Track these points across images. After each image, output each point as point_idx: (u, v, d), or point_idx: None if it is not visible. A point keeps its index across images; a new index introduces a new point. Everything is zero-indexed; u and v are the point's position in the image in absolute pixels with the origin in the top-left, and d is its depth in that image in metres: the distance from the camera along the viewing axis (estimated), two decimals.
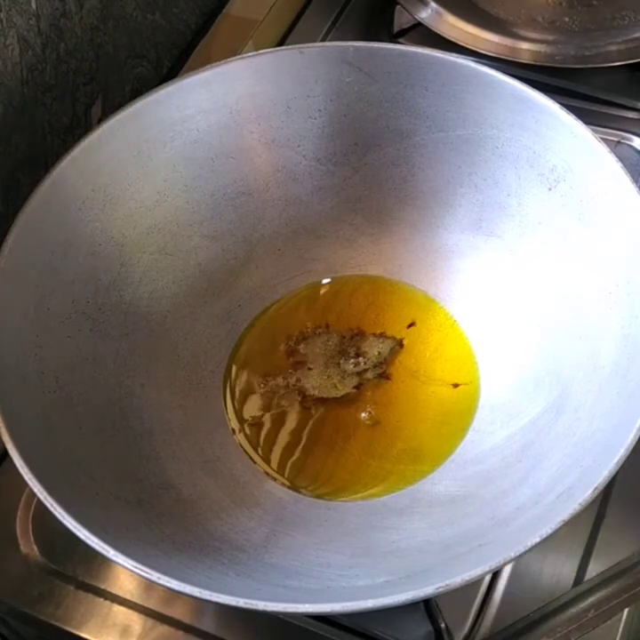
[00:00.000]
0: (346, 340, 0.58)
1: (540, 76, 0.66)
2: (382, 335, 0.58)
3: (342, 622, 0.50)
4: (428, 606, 0.50)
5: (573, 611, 0.45)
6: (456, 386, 0.56)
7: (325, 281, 0.61)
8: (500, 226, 0.57)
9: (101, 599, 0.52)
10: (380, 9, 0.74)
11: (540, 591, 0.51)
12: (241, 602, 0.39)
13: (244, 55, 0.56)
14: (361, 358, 0.57)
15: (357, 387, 0.56)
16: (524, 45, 0.69)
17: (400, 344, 0.58)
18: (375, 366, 0.57)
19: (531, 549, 0.40)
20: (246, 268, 0.59)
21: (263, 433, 0.55)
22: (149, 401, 0.54)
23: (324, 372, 0.57)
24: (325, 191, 0.59)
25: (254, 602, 0.39)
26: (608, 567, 0.47)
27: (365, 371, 0.57)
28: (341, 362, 0.57)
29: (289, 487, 0.53)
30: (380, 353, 0.57)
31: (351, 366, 0.57)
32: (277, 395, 0.56)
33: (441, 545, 0.47)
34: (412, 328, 0.58)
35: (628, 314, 0.48)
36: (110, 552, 0.41)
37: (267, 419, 0.56)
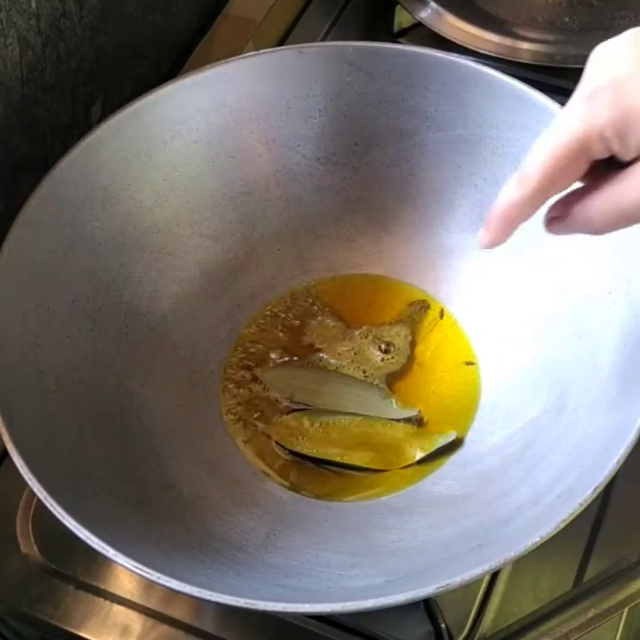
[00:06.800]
0: (357, 332, 0.58)
1: (539, 76, 0.66)
2: (399, 323, 0.58)
3: (342, 622, 0.50)
4: (428, 606, 0.50)
5: (573, 611, 0.45)
6: (456, 385, 0.56)
7: None
8: None
9: (101, 599, 0.52)
10: (380, 9, 0.74)
11: (540, 591, 0.51)
12: (241, 602, 0.39)
13: (244, 55, 0.56)
14: (383, 350, 0.56)
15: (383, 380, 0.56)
16: (524, 45, 0.69)
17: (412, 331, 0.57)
18: (395, 357, 0.56)
19: (531, 549, 0.40)
20: (246, 268, 0.59)
21: (262, 433, 0.55)
22: (149, 401, 0.54)
23: (347, 366, 0.56)
24: (325, 191, 0.59)
25: (254, 602, 0.39)
26: (608, 567, 0.47)
27: (382, 365, 0.56)
28: (365, 355, 0.57)
29: (289, 487, 0.53)
30: (398, 346, 0.57)
31: (379, 360, 0.56)
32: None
33: (441, 545, 0.47)
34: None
35: (627, 314, 0.49)
36: (110, 552, 0.41)
37: (266, 418, 0.56)
